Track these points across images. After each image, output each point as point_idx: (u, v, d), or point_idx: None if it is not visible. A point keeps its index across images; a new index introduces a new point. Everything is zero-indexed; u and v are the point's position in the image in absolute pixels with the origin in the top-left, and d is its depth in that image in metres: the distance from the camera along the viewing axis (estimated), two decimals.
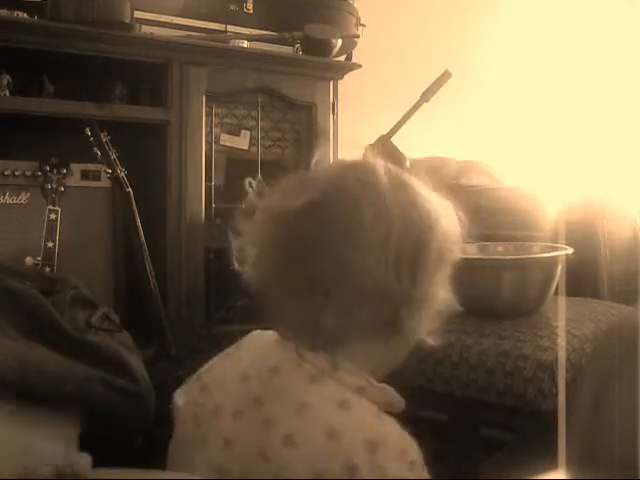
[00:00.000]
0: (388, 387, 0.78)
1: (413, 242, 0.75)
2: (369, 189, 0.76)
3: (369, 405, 0.75)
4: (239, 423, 0.76)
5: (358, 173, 0.78)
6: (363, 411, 0.74)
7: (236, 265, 0.83)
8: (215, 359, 0.88)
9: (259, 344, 0.85)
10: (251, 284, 0.80)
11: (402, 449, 0.72)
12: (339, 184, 0.77)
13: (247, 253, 0.82)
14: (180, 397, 0.86)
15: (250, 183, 0.82)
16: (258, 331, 0.88)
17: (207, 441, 0.78)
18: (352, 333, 0.76)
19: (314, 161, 0.83)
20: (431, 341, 0.84)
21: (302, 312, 0.76)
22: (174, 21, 2.06)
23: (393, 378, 0.82)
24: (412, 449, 0.73)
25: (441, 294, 0.82)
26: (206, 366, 0.88)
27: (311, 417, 0.72)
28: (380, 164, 0.80)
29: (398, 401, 0.79)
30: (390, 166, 0.81)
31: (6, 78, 1.82)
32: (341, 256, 0.73)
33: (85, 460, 0.67)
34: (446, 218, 0.81)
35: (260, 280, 0.80)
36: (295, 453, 0.70)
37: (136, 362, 1.28)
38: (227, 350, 0.88)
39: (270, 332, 0.85)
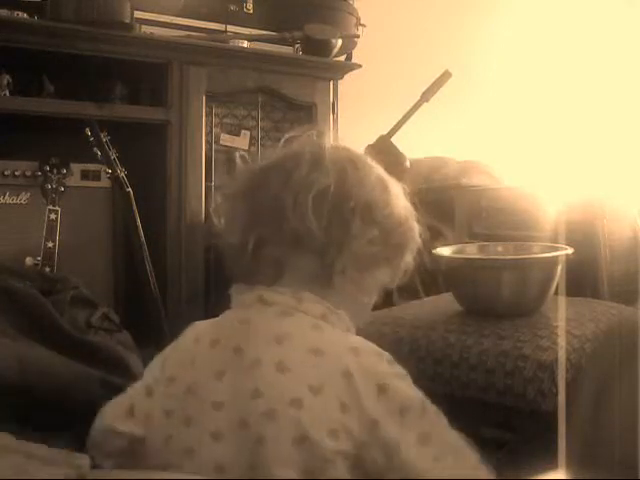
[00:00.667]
0: (342, 312, 0.84)
1: (346, 199, 0.82)
2: (315, 150, 0.85)
3: (334, 327, 0.82)
4: (223, 382, 0.77)
5: (329, 146, 0.87)
6: (333, 330, 0.81)
7: (213, 217, 0.89)
8: (157, 364, 0.88)
9: (205, 325, 0.87)
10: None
11: (377, 351, 0.79)
12: (300, 149, 0.87)
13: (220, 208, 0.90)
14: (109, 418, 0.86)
15: (240, 156, 0.91)
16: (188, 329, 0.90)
17: (188, 420, 0.78)
18: (291, 277, 0.83)
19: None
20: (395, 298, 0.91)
21: (255, 257, 0.83)
22: (174, 21, 2.06)
23: None
24: (385, 352, 0.80)
25: (384, 271, 0.88)
26: (153, 373, 0.87)
27: (293, 343, 0.77)
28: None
29: (351, 325, 0.86)
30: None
31: (6, 78, 1.82)
32: (280, 202, 0.80)
33: (84, 461, 0.67)
34: (396, 193, 0.89)
35: (227, 230, 0.86)
36: (289, 377, 0.74)
37: (136, 362, 1.28)
38: (162, 353, 0.89)
39: (202, 322, 0.88)
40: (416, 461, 0.72)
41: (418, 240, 0.90)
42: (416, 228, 0.90)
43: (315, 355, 0.75)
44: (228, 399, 0.76)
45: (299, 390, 0.73)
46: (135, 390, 0.89)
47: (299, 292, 0.82)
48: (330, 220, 0.80)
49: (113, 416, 0.87)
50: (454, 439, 0.77)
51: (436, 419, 0.77)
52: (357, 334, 0.86)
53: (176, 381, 0.82)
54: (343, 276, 0.83)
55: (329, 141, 0.88)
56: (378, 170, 0.89)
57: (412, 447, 0.73)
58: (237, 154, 0.94)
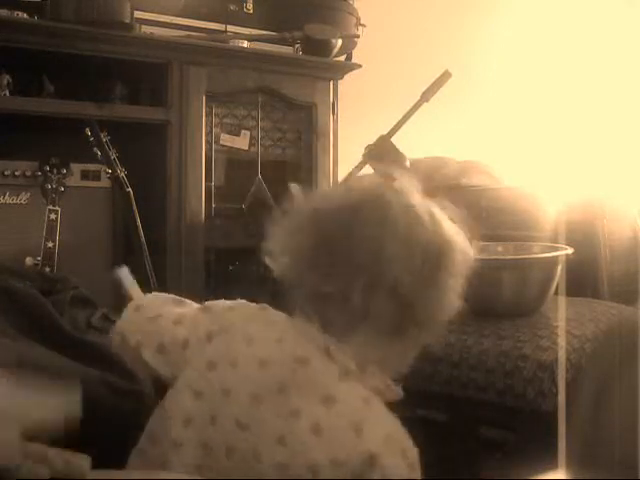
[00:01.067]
0: (399, 388, 0.83)
1: (437, 249, 0.81)
2: (403, 197, 0.83)
3: (382, 404, 0.80)
4: (257, 409, 0.77)
5: (395, 191, 0.85)
6: (382, 409, 0.79)
7: (267, 260, 0.86)
8: (207, 320, 0.87)
9: (270, 326, 0.86)
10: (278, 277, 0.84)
11: (405, 448, 0.78)
12: (375, 192, 0.84)
13: (280, 245, 0.85)
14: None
15: (294, 187, 0.88)
16: (240, 304, 0.90)
17: (215, 420, 0.79)
18: (372, 323, 0.80)
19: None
20: (432, 342, 0.89)
21: (335, 301, 0.80)
22: (174, 21, 2.05)
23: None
24: (413, 451, 0.78)
25: (455, 301, 0.86)
26: (197, 327, 0.87)
27: (338, 410, 0.76)
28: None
29: (399, 395, 0.84)
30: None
31: (6, 78, 1.82)
32: (383, 250, 0.78)
33: (84, 461, 0.67)
34: (460, 235, 0.87)
35: (293, 270, 0.83)
36: (319, 441, 0.74)
37: None
38: (216, 314, 0.88)
39: (268, 309, 0.88)
40: None
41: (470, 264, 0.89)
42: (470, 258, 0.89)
43: (354, 432, 0.75)
44: (253, 427, 0.77)
45: (319, 457, 0.73)
46: (171, 332, 0.89)
47: (365, 362, 0.80)
48: (425, 272, 0.80)
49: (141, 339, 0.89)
50: None
51: None
52: None
53: (216, 370, 0.82)
54: (418, 328, 0.83)
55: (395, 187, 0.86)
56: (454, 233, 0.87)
57: None
58: (292, 187, 0.91)
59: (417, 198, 0.85)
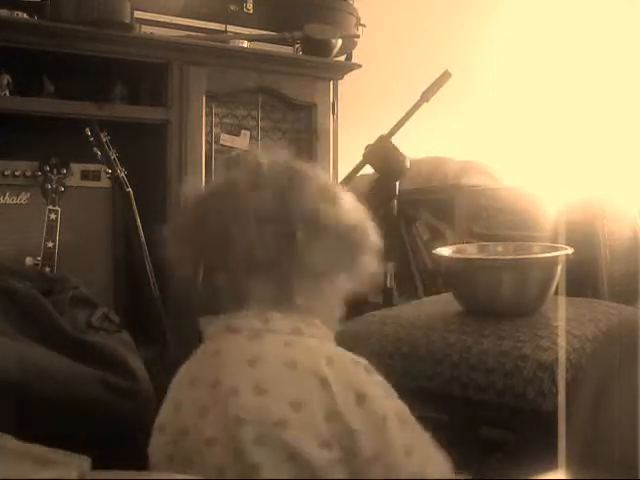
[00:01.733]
0: (315, 320, 0.84)
1: (287, 216, 0.82)
2: (252, 172, 0.86)
3: (308, 338, 0.81)
4: (209, 417, 0.77)
5: (256, 165, 0.88)
6: (306, 343, 0.80)
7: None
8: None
9: (189, 361, 0.89)
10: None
11: (354, 358, 0.79)
12: (231, 179, 0.87)
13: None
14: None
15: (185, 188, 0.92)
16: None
17: (190, 462, 0.79)
18: (254, 300, 0.83)
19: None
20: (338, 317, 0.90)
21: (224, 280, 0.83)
22: (174, 21, 2.05)
23: (394, 377, 0.82)
24: (362, 360, 0.80)
25: (342, 278, 0.87)
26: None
27: (266, 363, 0.77)
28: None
29: (328, 332, 0.86)
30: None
31: (6, 78, 1.82)
32: (223, 230, 0.81)
33: (84, 462, 0.67)
34: (342, 200, 0.87)
35: (178, 265, 0.90)
36: (268, 397, 0.74)
37: (136, 362, 1.28)
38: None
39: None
40: (401, 467, 0.73)
41: (374, 242, 0.89)
42: (369, 231, 0.89)
43: (290, 369, 0.75)
44: (217, 434, 0.76)
45: (281, 409, 0.73)
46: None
47: (265, 313, 0.81)
48: (275, 240, 0.81)
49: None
50: (435, 454, 0.79)
51: (417, 430, 0.78)
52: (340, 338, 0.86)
53: (167, 428, 0.83)
54: (303, 292, 0.83)
55: (266, 158, 0.88)
56: (320, 180, 0.88)
57: (397, 459, 0.74)
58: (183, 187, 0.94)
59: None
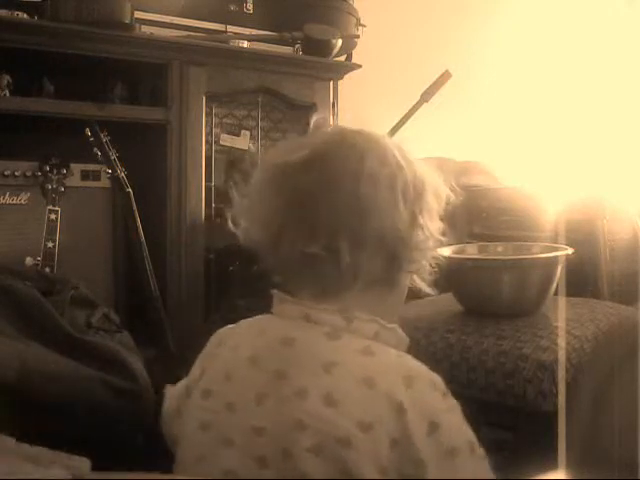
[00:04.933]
0: (396, 326, 0.80)
1: (413, 190, 0.77)
2: (371, 142, 0.79)
3: (388, 348, 0.76)
4: (265, 406, 0.72)
5: (358, 131, 0.82)
6: (387, 353, 0.75)
7: (232, 227, 0.81)
8: (199, 364, 0.85)
9: (246, 331, 0.83)
10: (250, 251, 0.79)
11: (432, 380, 0.74)
12: (340, 138, 0.79)
13: (245, 213, 0.80)
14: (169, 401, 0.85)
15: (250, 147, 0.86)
16: (227, 327, 0.86)
17: (229, 441, 0.74)
18: (362, 280, 0.77)
19: (312, 123, 0.85)
20: (429, 290, 0.86)
21: (313, 262, 0.75)
22: (174, 21, 2.05)
23: None
24: (439, 380, 0.74)
25: (434, 239, 0.82)
26: (194, 373, 0.85)
27: (342, 372, 0.71)
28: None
29: (404, 338, 0.81)
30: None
31: (6, 78, 1.82)
32: (355, 202, 0.74)
33: (84, 464, 0.67)
34: (430, 171, 0.83)
35: (260, 238, 0.78)
36: (338, 411, 0.69)
37: (136, 362, 1.28)
38: (205, 352, 0.85)
39: (245, 322, 0.84)
40: None
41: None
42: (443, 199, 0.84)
43: (366, 387, 0.70)
44: (270, 426, 0.71)
45: (348, 427, 0.68)
46: (179, 391, 0.86)
47: (348, 310, 0.76)
48: (406, 216, 0.76)
49: (168, 413, 0.86)
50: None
51: (482, 464, 0.74)
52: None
53: (213, 395, 0.78)
54: (404, 273, 0.79)
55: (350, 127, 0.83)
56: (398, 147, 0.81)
57: None
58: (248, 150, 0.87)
59: (377, 135, 0.82)
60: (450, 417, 0.72)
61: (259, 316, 0.83)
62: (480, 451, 0.74)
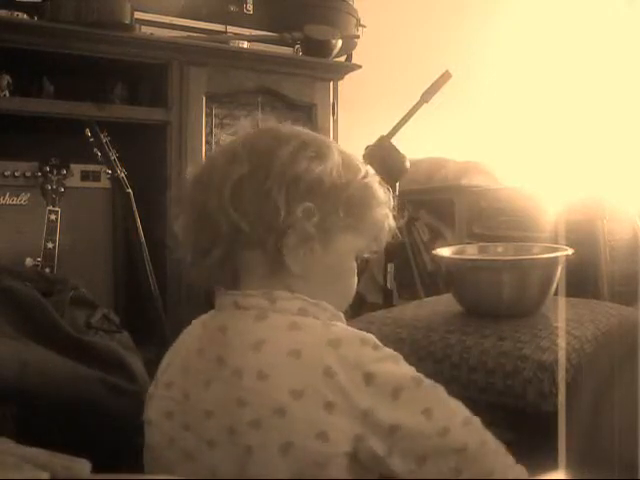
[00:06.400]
0: (321, 302, 0.82)
1: (264, 181, 0.78)
2: (232, 143, 0.85)
3: (315, 320, 0.80)
4: (212, 391, 0.77)
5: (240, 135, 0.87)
6: (312, 326, 0.78)
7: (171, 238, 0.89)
8: (166, 358, 0.90)
9: (195, 326, 0.89)
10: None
11: (360, 337, 0.77)
12: (228, 148, 0.85)
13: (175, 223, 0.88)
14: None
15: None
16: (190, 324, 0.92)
17: (188, 426, 0.79)
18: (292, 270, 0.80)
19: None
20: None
21: (223, 257, 0.81)
22: (174, 22, 2.06)
23: None
24: (369, 336, 0.77)
25: (347, 239, 0.84)
26: (162, 364, 0.90)
27: (270, 348, 0.75)
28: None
29: (337, 313, 0.84)
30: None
31: (6, 78, 1.82)
32: (207, 204, 0.79)
33: (84, 466, 0.67)
34: (332, 157, 0.82)
35: (183, 243, 0.86)
36: (269, 383, 0.73)
37: (136, 362, 1.28)
38: (172, 347, 0.91)
39: (197, 319, 0.90)
40: (424, 431, 0.72)
41: (379, 194, 0.85)
42: (371, 183, 0.84)
43: (294, 357, 0.74)
44: (216, 409, 0.76)
45: (281, 397, 0.72)
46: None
47: (272, 292, 0.80)
48: (255, 208, 0.78)
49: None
50: (457, 407, 0.77)
51: (433, 391, 0.76)
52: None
53: (174, 386, 0.83)
54: (299, 260, 0.80)
55: (254, 128, 0.87)
56: (303, 138, 0.82)
57: (417, 424, 0.72)
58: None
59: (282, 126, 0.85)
60: (384, 364, 0.75)
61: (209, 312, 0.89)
62: (428, 381, 0.76)
